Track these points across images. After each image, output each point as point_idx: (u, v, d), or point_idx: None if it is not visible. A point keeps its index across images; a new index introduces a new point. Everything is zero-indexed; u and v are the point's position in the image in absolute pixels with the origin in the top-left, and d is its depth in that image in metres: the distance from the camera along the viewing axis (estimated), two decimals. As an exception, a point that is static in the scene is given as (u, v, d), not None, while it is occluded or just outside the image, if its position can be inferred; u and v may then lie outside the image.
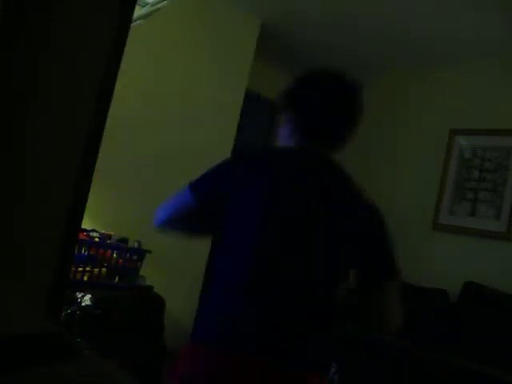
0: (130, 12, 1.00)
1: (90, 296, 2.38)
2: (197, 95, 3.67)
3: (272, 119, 5.23)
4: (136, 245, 2.81)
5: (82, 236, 2.62)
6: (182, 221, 1.39)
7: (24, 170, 0.90)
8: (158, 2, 2.27)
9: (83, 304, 2.34)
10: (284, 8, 3.73)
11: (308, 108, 1.39)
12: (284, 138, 1.43)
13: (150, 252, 2.81)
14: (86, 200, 0.97)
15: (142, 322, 2.59)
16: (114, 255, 2.64)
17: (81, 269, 2.51)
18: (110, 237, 2.80)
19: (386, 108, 4.39)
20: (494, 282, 3.27)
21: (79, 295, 2.38)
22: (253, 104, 4.61)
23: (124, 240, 2.86)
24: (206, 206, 1.33)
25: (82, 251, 2.54)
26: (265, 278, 1.23)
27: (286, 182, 1.31)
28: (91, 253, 2.57)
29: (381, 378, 2.90)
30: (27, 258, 0.92)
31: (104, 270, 2.59)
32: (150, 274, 3.00)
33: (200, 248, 3.81)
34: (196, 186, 1.33)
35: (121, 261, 2.66)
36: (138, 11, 2.27)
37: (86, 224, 2.84)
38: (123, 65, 1.01)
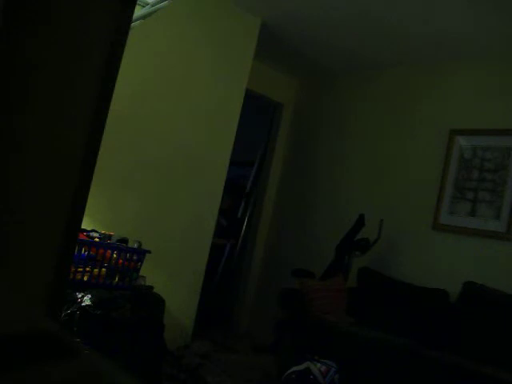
0: (130, 12, 1.00)
1: (89, 296, 2.38)
2: (197, 95, 3.67)
3: (272, 119, 5.24)
4: (136, 245, 2.81)
5: (82, 236, 2.62)
6: None
7: (24, 171, 0.90)
8: (158, 2, 2.27)
9: (83, 304, 2.34)
10: (284, 8, 3.73)
11: None
12: None
13: (149, 252, 2.81)
14: (85, 200, 0.97)
15: (142, 322, 2.59)
16: (114, 255, 2.64)
17: (81, 269, 2.51)
18: (110, 237, 2.80)
19: (386, 108, 4.39)
20: (494, 282, 3.27)
21: (79, 295, 2.38)
22: (253, 104, 4.61)
23: (124, 240, 2.86)
24: None
25: (82, 251, 2.54)
26: None
27: None
28: (91, 253, 2.57)
29: (381, 378, 2.89)
30: (27, 258, 0.92)
31: (104, 270, 2.59)
32: (150, 273, 3.00)
33: (200, 248, 3.81)
34: None
35: (121, 261, 2.66)
36: (138, 11, 2.26)
37: (85, 224, 2.84)
38: (123, 65, 1.01)
